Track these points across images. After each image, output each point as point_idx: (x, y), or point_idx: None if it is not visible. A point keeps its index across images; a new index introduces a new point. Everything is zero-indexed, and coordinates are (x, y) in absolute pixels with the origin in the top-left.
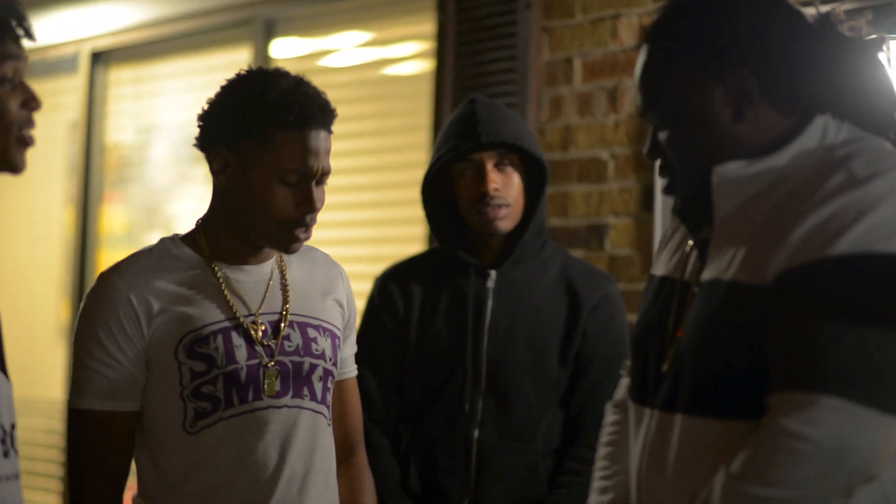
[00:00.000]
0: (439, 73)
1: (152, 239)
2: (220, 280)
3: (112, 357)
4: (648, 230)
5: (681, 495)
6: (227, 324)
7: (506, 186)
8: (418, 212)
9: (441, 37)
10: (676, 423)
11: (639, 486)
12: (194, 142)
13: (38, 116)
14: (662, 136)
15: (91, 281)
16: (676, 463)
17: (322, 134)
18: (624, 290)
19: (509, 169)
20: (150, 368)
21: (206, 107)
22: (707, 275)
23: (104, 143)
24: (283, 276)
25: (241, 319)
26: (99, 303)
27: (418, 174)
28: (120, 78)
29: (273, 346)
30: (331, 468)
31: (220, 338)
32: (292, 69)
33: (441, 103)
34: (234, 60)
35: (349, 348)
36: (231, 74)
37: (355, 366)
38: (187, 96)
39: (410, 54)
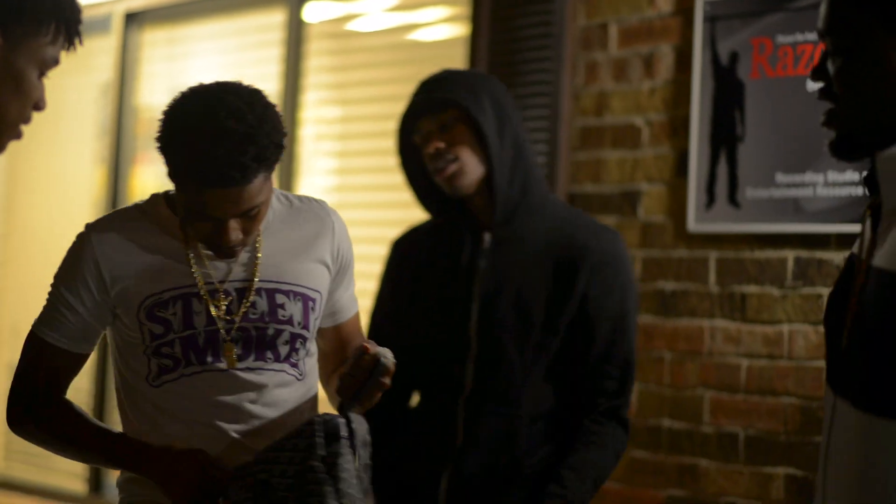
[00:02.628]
0: (474, 38)
1: None
2: (189, 245)
3: (72, 306)
4: (682, 197)
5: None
6: (187, 290)
7: (451, 144)
8: None
9: (476, 1)
10: (849, 413)
11: (824, 477)
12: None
13: (70, 78)
14: (835, 63)
15: None
16: (844, 454)
17: (234, 189)
18: (657, 257)
19: (457, 127)
20: (119, 323)
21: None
22: (878, 260)
23: (136, 105)
24: (255, 243)
25: (201, 287)
26: (72, 256)
27: None
28: (153, 39)
29: (235, 313)
30: (298, 420)
31: (179, 303)
32: (325, 32)
33: (476, 67)
34: (267, 23)
35: (344, 291)
36: (264, 37)
37: (356, 305)
38: (220, 58)
39: (444, 18)
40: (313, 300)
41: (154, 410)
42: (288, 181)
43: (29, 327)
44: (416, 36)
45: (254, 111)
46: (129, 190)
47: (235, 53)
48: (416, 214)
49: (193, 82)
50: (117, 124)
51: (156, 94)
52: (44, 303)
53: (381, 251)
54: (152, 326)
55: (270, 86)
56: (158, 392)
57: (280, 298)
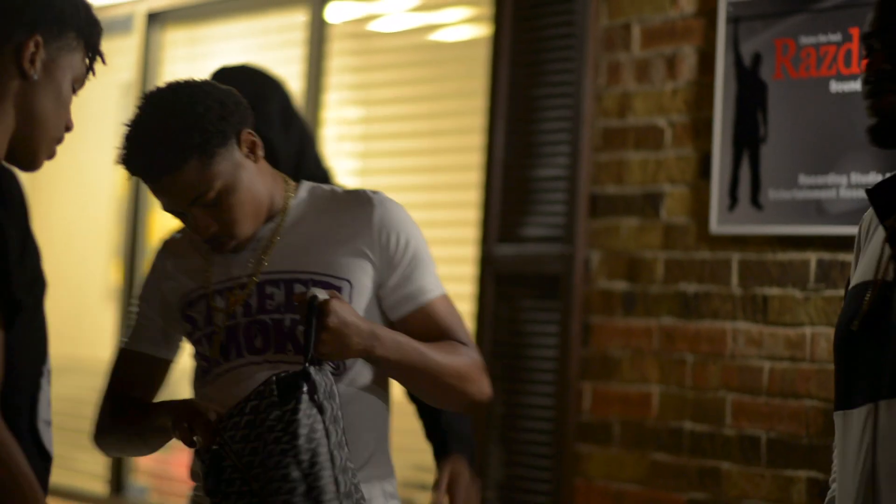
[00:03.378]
0: (496, 39)
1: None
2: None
3: (143, 309)
4: (704, 198)
5: None
6: (203, 290)
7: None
8: (473, 177)
9: (498, 1)
10: None
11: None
12: None
13: (92, 79)
14: (885, 65)
15: (142, 242)
16: None
17: (165, 178)
18: (679, 258)
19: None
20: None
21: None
22: None
23: None
24: (272, 237)
25: (215, 285)
26: (152, 258)
27: (473, 140)
28: (175, 39)
29: (253, 305)
30: None
31: (203, 302)
32: (347, 32)
33: (498, 68)
34: (289, 23)
35: (407, 277)
36: (286, 37)
37: (424, 296)
38: (241, 58)
39: (466, 18)
40: (338, 288)
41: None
42: None
43: (51, 330)
44: (438, 36)
45: (178, 101)
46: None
47: (257, 53)
48: (443, 216)
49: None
50: None
51: None
52: (64, 300)
53: None
54: (184, 326)
55: (292, 86)
56: (202, 394)
57: (298, 288)
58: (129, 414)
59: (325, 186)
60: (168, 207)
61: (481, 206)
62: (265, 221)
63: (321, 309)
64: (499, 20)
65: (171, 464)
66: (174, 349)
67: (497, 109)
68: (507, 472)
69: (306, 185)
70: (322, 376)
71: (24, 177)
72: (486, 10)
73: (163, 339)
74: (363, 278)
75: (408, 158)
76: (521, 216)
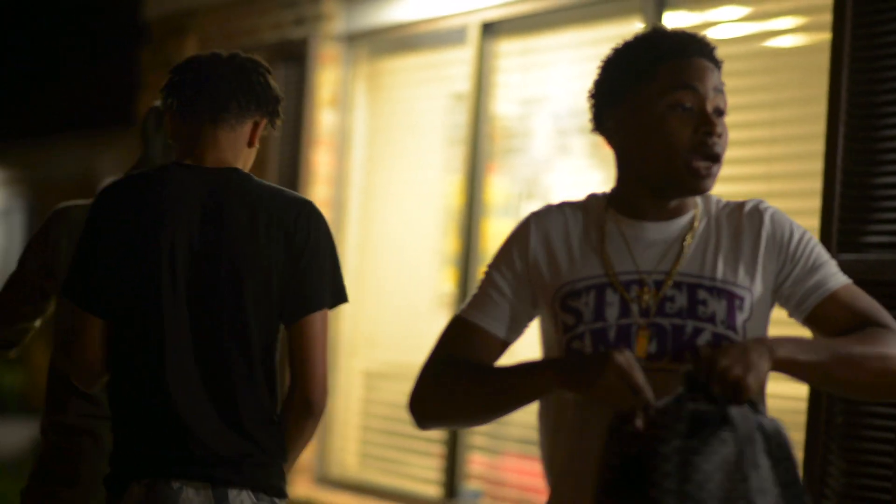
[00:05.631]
0: (835, 44)
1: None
2: (608, 235)
3: (497, 285)
4: None
5: None
6: (600, 280)
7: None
8: (813, 185)
9: (838, 7)
10: None
11: None
12: (590, 126)
13: (424, 88)
14: None
15: (476, 250)
16: None
17: (704, 62)
18: None
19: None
20: (541, 313)
21: (590, 89)
22: None
23: (490, 114)
24: (684, 235)
25: (613, 277)
26: (508, 238)
27: (814, 146)
28: (508, 49)
29: (652, 306)
30: None
31: (592, 293)
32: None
33: (838, 74)
34: (623, 32)
35: (804, 274)
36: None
37: (831, 282)
38: (574, 68)
39: (803, 25)
40: (741, 298)
41: (574, 409)
42: None
43: (384, 338)
44: (774, 43)
45: None
46: (483, 198)
47: (590, 62)
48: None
49: (546, 92)
50: (473, 134)
51: (509, 103)
52: (396, 309)
53: None
54: (565, 317)
55: None
56: (569, 402)
57: (702, 294)
58: (468, 376)
59: (721, 199)
60: (691, 90)
61: (821, 214)
62: (669, 219)
63: (711, 360)
64: (838, 26)
65: (504, 469)
66: (517, 332)
67: (837, 116)
68: (848, 482)
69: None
70: (743, 415)
71: (356, 187)
72: (824, 16)
73: (508, 319)
74: (760, 287)
75: (745, 166)
76: (863, 224)
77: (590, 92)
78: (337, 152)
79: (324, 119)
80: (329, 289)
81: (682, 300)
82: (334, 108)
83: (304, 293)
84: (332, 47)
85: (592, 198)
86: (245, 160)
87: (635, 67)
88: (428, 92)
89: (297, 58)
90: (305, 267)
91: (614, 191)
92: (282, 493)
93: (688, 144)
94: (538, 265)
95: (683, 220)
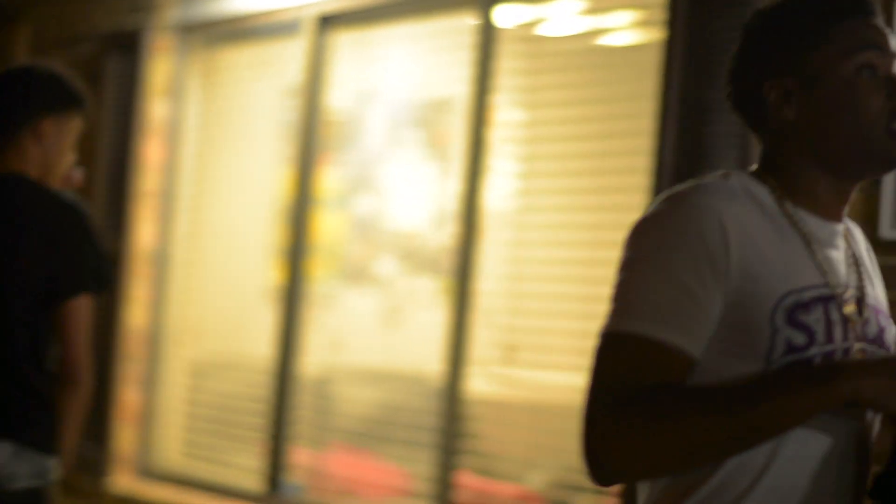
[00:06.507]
0: (668, 41)
1: (363, 203)
2: (804, 232)
3: (691, 288)
4: (875, 202)
5: None
6: (824, 291)
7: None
8: (641, 181)
9: (672, 4)
10: None
11: None
12: (729, 102)
13: (257, 81)
14: None
15: (305, 243)
16: None
17: (881, 21)
18: None
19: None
20: (727, 321)
21: (730, 66)
22: None
23: (323, 106)
24: (848, 245)
25: (835, 289)
26: (689, 226)
27: (641, 143)
28: (343, 42)
29: (858, 328)
30: None
31: (819, 308)
32: (515, 36)
33: (670, 70)
34: (455, 27)
35: None
36: (454, 40)
37: None
38: (408, 61)
39: (636, 21)
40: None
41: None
42: (474, 184)
43: (212, 329)
44: (607, 40)
45: None
46: (314, 190)
47: (425, 56)
48: (605, 217)
49: (380, 85)
50: (305, 126)
51: (343, 96)
52: (225, 300)
53: (575, 254)
54: (792, 335)
55: (458, 89)
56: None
57: (883, 320)
58: (690, 407)
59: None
60: (880, 49)
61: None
62: (835, 218)
63: None
64: (671, 23)
65: (328, 461)
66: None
67: (667, 113)
68: None
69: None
70: None
71: (186, 178)
72: (657, 13)
73: (704, 334)
74: None
75: (574, 161)
76: None
77: (735, 73)
78: (168, 143)
79: (156, 109)
80: (88, 277)
81: (874, 324)
82: (167, 98)
83: (62, 282)
84: (167, 37)
85: (744, 181)
86: (41, 160)
87: (805, 30)
88: (262, 84)
89: (130, 47)
90: (64, 258)
91: (778, 177)
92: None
93: (880, 112)
94: (746, 266)
95: (841, 225)
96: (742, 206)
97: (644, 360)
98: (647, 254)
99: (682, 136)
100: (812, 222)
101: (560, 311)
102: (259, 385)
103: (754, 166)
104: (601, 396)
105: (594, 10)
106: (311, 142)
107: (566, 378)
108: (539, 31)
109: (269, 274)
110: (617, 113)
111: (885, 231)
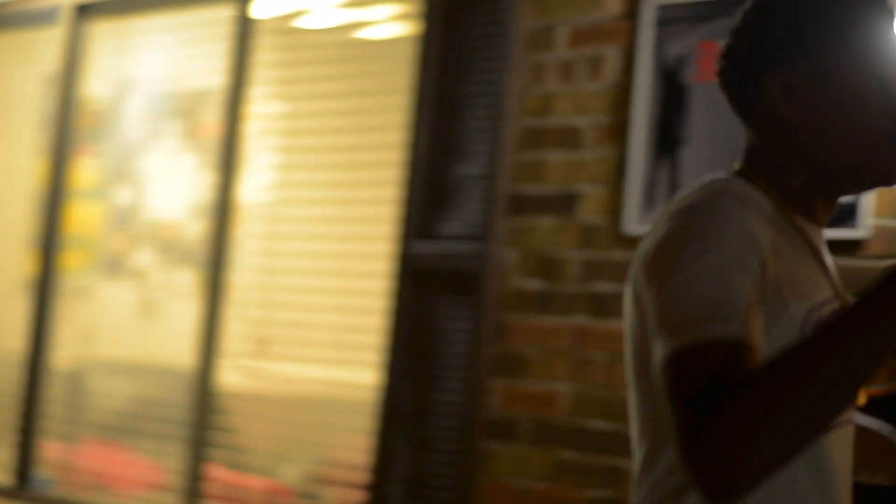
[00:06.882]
0: (424, 37)
1: (120, 194)
2: (810, 241)
3: (747, 288)
4: (622, 199)
5: None
6: (835, 303)
7: None
8: (394, 174)
9: (427, 0)
10: None
11: None
12: (725, 89)
13: (15, 69)
14: None
15: (58, 234)
16: None
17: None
18: (594, 258)
19: None
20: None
21: (731, 46)
22: None
23: (80, 97)
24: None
25: (841, 299)
26: (723, 224)
27: (396, 137)
28: (101, 31)
29: None
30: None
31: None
32: (273, 28)
33: (424, 66)
34: (215, 18)
35: None
36: (211, 31)
37: None
38: (166, 52)
39: (393, 16)
40: None
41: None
42: (229, 176)
43: None
44: (364, 34)
45: None
46: (70, 182)
47: (183, 47)
48: (359, 210)
49: (139, 76)
50: (61, 116)
51: (100, 86)
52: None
53: (328, 247)
54: None
55: (216, 80)
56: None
57: None
58: (784, 373)
59: None
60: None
61: (401, 203)
62: (820, 224)
63: None
64: (427, 19)
65: (80, 455)
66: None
67: (421, 107)
68: (414, 468)
69: None
70: None
71: None
72: (414, 7)
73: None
74: None
75: (330, 154)
76: (441, 214)
77: (732, 50)
78: None
79: None
80: None
81: None
82: None
83: None
84: None
85: (744, 187)
86: None
87: (818, 18)
88: (20, 72)
89: None
90: None
91: (768, 179)
92: None
93: (892, 126)
94: (776, 275)
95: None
96: (757, 215)
97: (732, 362)
98: (690, 263)
99: (435, 130)
100: (808, 229)
101: (313, 304)
102: (9, 379)
103: (737, 164)
104: (698, 405)
105: (352, 3)
106: (67, 132)
107: (319, 371)
108: (297, 23)
109: (24, 266)
110: (372, 107)
111: (630, 227)
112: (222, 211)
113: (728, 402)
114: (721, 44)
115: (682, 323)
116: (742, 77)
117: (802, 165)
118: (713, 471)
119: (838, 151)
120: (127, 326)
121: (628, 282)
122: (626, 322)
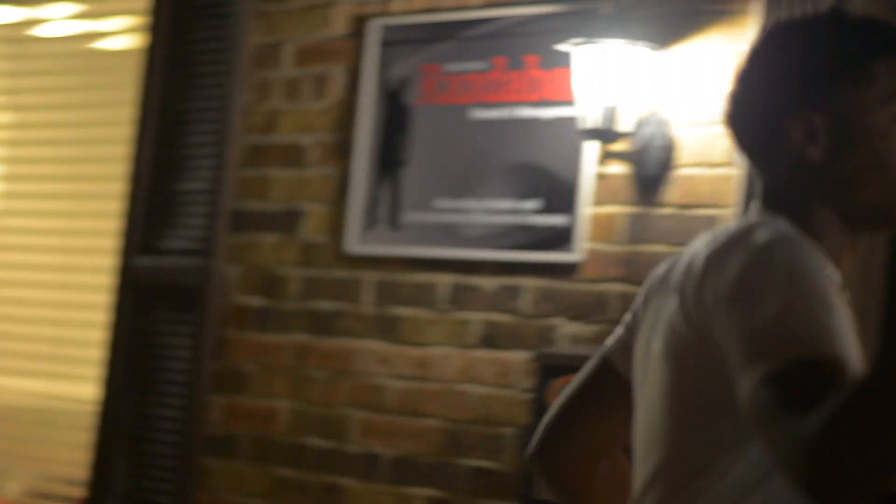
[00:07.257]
0: (149, 50)
1: None
2: (841, 289)
3: (842, 309)
4: (344, 218)
5: None
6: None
7: None
8: (117, 188)
9: (156, 12)
10: None
11: None
12: (736, 134)
13: None
14: None
15: None
16: None
17: None
18: (315, 276)
19: None
20: None
21: (738, 86)
22: None
23: None
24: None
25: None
26: (814, 257)
27: (120, 150)
28: None
29: None
30: None
31: None
32: (3, 36)
33: (149, 80)
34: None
35: None
36: None
37: None
38: None
39: (124, 28)
40: None
41: None
42: None
43: None
44: (95, 45)
45: None
46: None
47: None
48: (81, 223)
49: None
50: None
51: None
52: None
53: (50, 260)
54: None
55: None
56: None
57: None
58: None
59: None
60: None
61: (123, 217)
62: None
63: None
64: (154, 32)
65: None
66: None
67: (146, 121)
68: (133, 483)
69: None
70: None
71: None
72: (145, 20)
73: None
74: None
75: (55, 166)
76: (163, 228)
77: (744, 95)
78: None
79: None
80: None
81: None
82: None
83: None
84: None
85: (787, 226)
86: None
87: (842, 64)
88: None
89: None
90: None
91: (793, 221)
92: None
93: None
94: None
95: None
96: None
97: (839, 374)
98: (778, 288)
99: (159, 145)
100: (834, 274)
101: (33, 317)
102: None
103: (757, 206)
104: (815, 420)
105: (83, 14)
106: None
107: (38, 385)
108: (26, 32)
109: None
110: (98, 119)
111: (351, 246)
112: None
113: (844, 420)
114: (725, 90)
115: (787, 341)
116: (759, 122)
117: (829, 206)
118: (832, 485)
119: (866, 192)
120: None
121: (653, 305)
122: (657, 346)
